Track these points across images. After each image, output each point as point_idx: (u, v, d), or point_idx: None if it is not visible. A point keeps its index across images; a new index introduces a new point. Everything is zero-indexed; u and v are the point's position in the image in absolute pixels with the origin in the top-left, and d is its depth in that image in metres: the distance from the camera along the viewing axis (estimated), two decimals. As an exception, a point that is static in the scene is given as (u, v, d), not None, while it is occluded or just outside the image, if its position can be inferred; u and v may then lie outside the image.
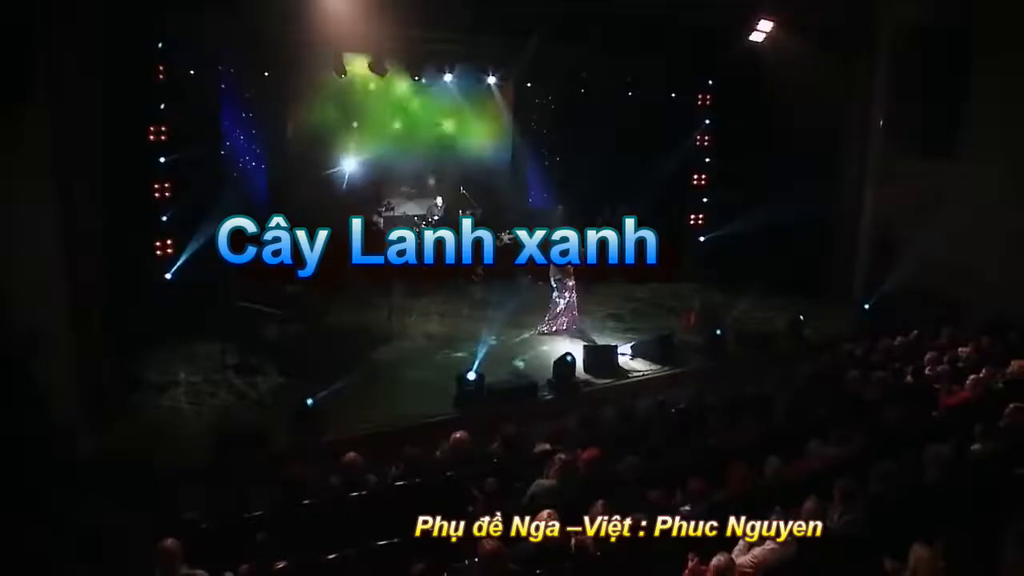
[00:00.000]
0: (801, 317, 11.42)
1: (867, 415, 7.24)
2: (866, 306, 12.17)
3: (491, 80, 14.08)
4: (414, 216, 15.23)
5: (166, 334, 10.60)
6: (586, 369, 9.54)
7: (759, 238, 13.77)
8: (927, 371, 8.55)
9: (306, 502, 5.83)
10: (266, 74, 12.62)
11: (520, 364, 9.77)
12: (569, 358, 8.97)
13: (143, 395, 8.92)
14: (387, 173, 15.14)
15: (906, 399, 7.69)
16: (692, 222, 16.01)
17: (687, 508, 5.40)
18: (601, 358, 9.63)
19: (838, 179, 13.95)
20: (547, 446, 6.55)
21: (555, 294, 11.23)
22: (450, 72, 13.23)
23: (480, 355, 8.99)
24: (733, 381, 8.88)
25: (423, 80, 13.05)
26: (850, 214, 13.90)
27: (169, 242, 11.72)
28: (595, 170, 15.57)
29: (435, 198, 15.16)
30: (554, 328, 11.25)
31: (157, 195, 11.57)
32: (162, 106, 11.28)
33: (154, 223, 11.48)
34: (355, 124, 14.75)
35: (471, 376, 8.34)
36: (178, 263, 11.61)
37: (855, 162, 13.78)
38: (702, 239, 15.84)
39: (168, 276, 11.57)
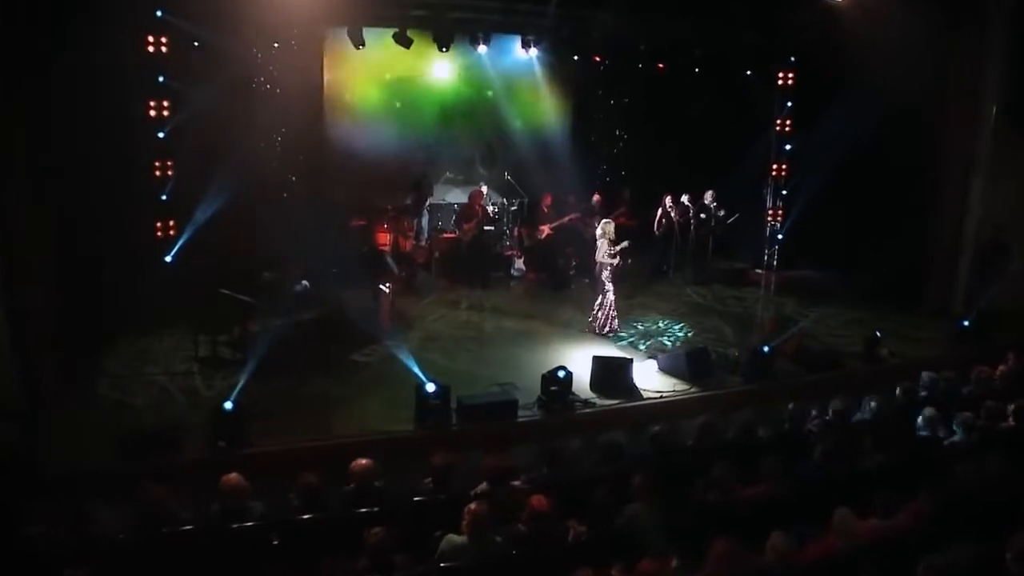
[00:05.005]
0: (877, 333, 9.41)
1: (938, 472, 5.36)
2: (964, 323, 10.13)
3: (532, 53, 12.58)
4: (454, 205, 14.08)
5: (150, 322, 9.86)
6: (593, 385, 7.95)
7: (843, 238, 12.29)
8: (1033, 413, 6.54)
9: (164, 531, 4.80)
10: (276, 46, 11.56)
11: None
12: (562, 372, 7.40)
13: (91, 387, 8.06)
14: (431, 158, 14.08)
15: (998, 452, 5.72)
16: (770, 217, 14.15)
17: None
18: (612, 373, 8.00)
19: (939, 173, 11.84)
20: (484, 485, 5.09)
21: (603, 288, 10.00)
22: (484, 43, 11.82)
23: (413, 362, 7.52)
24: (772, 412, 7.09)
25: (446, 50, 11.66)
26: (952, 214, 11.78)
27: (171, 223, 11.00)
28: (658, 157, 14.07)
29: (480, 185, 13.92)
30: (591, 327, 10.03)
31: (157, 173, 10.82)
32: (161, 79, 10.49)
33: (154, 203, 10.76)
34: (397, 104, 13.67)
35: (430, 388, 6.90)
36: (177, 245, 10.87)
37: (960, 153, 11.61)
38: (780, 237, 13.98)
39: (168, 259, 10.88)
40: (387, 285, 11.09)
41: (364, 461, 5.07)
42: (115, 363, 8.82)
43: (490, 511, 4.36)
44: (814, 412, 6.98)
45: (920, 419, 6.52)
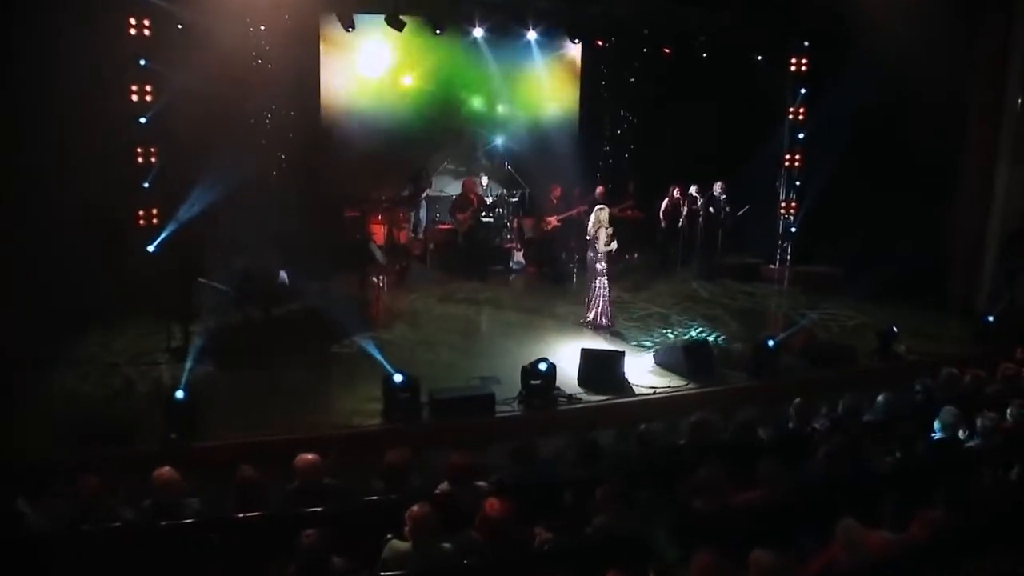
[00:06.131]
0: (894, 328, 8.79)
1: (957, 478, 4.77)
2: (989, 318, 9.46)
3: (532, 36, 12.05)
4: (452, 196, 13.61)
5: (125, 311, 9.47)
6: (581, 380, 7.40)
7: (860, 231, 11.47)
8: (1063, 413, 5.91)
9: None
10: (263, 28, 11.11)
11: None
12: (544, 365, 6.85)
13: (56, 378, 7.60)
14: (431, 148, 13.57)
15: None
16: (783, 210, 13.54)
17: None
18: (602, 367, 7.44)
19: (961, 163, 11.18)
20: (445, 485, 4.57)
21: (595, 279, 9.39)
22: (480, 26, 11.33)
23: (378, 352, 7.01)
24: (776, 410, 6.51)
25: (440, 33, 11.21)
26: (976, 206, 11.08)
27: (154, 211, 10.59)
28: (665, 146, 13.61)
29: (480, 176, 13.48)
30: (586, 321, 9.39)
31: (140, 160, 10.42)
32: (143, 62, 10.07)
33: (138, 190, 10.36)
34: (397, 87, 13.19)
35: (398, 378, 6.38)
36: (162, 235, 10.46)
37: (983, 144, 10.92)
38: (793, 230, 13.37)
39: (151, 248, 10.47)
40: (379, 276, 10.65)
41: (310, 456, 4.57)
42: (84, 353, 8.39)
43: (438, 514, 3.83)
44: (822, 410, 6.42)
45: (938, 419, 5.92)
